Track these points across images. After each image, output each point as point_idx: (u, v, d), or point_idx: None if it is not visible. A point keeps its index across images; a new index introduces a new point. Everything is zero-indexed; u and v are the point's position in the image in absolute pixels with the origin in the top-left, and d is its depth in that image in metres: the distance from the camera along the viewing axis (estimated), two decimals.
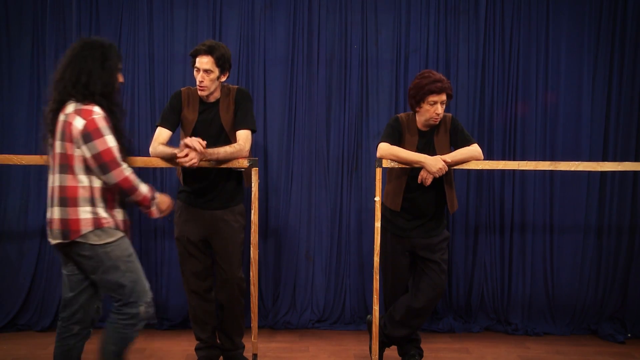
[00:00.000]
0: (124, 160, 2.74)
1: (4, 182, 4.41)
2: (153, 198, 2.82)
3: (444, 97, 3.43)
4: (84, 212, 2.66)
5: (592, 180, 4.57)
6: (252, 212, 3.40)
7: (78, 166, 2.65)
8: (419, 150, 3.51)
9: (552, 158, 4.52)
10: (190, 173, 3.40)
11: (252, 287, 3.46)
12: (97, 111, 2.65)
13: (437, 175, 3.37)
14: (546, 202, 4.58)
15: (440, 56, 4.54)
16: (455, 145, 3.55)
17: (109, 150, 2.63)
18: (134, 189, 2.73)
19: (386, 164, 3.48)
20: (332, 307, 4.58)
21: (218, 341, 3.66)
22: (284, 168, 4.55)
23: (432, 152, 3.50)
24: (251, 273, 3.46)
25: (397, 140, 3.52)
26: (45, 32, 4.39)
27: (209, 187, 3.43)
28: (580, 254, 4.61)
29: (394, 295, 3.67)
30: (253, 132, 3.43)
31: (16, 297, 4.37)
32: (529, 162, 3.61)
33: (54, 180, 2.71)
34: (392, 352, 3.85)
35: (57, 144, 2.68)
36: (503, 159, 4.51)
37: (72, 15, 4.38)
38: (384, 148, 3.48)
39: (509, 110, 4.56)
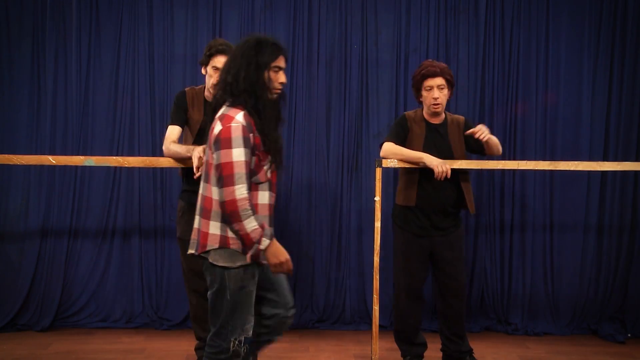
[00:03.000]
0: (273, 173, 2.51)
1: (4, 182, 4.41)
2: (257, 242, 2.39)
3: (439, 81, 3.43)
4: (214, 227, 2.43)
5: (593, 180, 4.57)
6: None
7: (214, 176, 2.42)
8: (428, 141, 3.50)
9: (552, 158, 4.52)
10: (192, 172, 3.40)
11: None
12: (239, 119, 2.37)
13: (439, 169, 3.34)
14: (546, 202, 4.57)
15: (440, 56, 4.54)
16: (470, 148, 3.58)
17: (229, 165, 2.33)
18: (237, 218, 2.35)
19: (386, 163, 3.48)
20: (332, 307, 4.58)
21: None
22: (284, 168, 4.54)
23: (446, 145, 3.51)
24: None
25: (402, 137, 3.52)
26: (45, 32, 4.39)
27: None
28: (580, 254, 4.60)
29: (408, 298, 3.58)
30: None
31: (16, 297, 4.36)
32: (529, 162, 3.62)
33: (200, 188, 2.53)
34: (393, 353, 3.85)
35: (208, 151, 2.46)
36: (503, 158, 4.47)
37: (72, 15, 4.39)
38: (387, 148, 3.50)
39: (509, 110, 4.56)
